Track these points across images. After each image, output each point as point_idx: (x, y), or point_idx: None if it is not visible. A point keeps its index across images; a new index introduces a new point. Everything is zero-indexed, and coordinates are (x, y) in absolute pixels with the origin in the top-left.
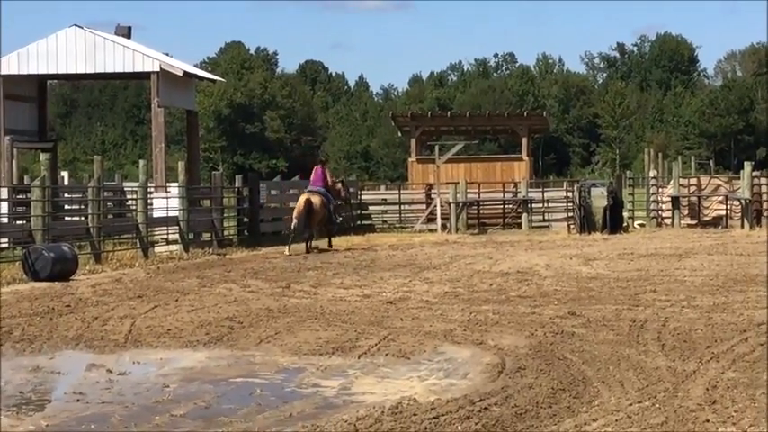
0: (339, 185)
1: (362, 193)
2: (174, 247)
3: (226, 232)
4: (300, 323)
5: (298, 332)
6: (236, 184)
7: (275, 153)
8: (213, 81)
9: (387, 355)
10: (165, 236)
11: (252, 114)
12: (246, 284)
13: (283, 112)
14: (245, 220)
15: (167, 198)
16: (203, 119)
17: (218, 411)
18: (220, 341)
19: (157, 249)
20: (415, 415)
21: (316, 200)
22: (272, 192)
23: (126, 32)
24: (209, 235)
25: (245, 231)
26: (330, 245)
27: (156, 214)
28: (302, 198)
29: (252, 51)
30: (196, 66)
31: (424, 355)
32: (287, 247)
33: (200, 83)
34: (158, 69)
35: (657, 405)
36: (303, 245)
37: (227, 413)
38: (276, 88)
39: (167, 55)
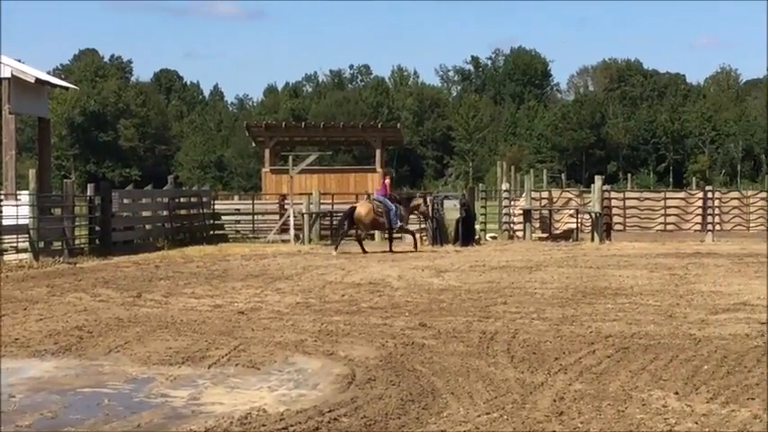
0: (419, 201)
1: (216, 203)
2: (23, 256)
3: (77, 241)
4: (151, 333)
5: (148, 342)
6: (89, 193)
7: (128, 162)
8: (66, 88)
9: (237, 365)
10: (15, 244)
11: (105, 122)
12: (97, 294)
13: (137, 120)
14: (97, 228)
15: (17, 206)
16: (56, 126)
17: (65, 422)
18: (69, 351)
19: (6, 258)
20: (264, 426)
21: (362, 209)
22: (125, 200)
23: None
24: (59, 243)
25: (97, 240)
26: (390, 248)
27: (5, 222)
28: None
29: (106, 59)
30: (49, 73)
31: (275, 366)
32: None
33: (52, 90)
34: (9, 75)
35: (505, 416)
36: (358, 245)
37: (73, 423)
38: (130, 96)
39: (19, 61)
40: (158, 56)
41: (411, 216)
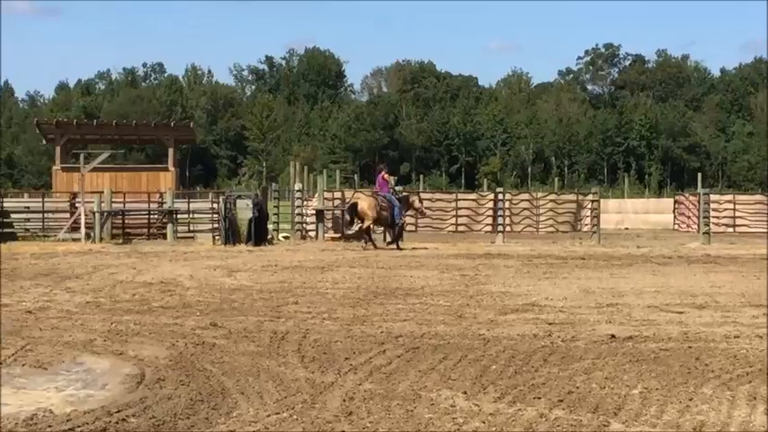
0: (415, 197)
1: (4, 200)
2: None
3: None
4: None
5: None
6: None
7: None
8: None
9: (24, 365)
10: None
11: None
12: None
13: None
14: None
15: None
16: None
17: None
18: None
19: None
20: (50, 427)
21: (363, 203)
22: None
23: None
24: None
25: None
26: (397, 246)
27: None
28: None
29: None
30: None
31: (63, 366)
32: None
33: None
34: None
35: (295, 416)
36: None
37: None
38: None
39: None
40: None
41: (201, 216)
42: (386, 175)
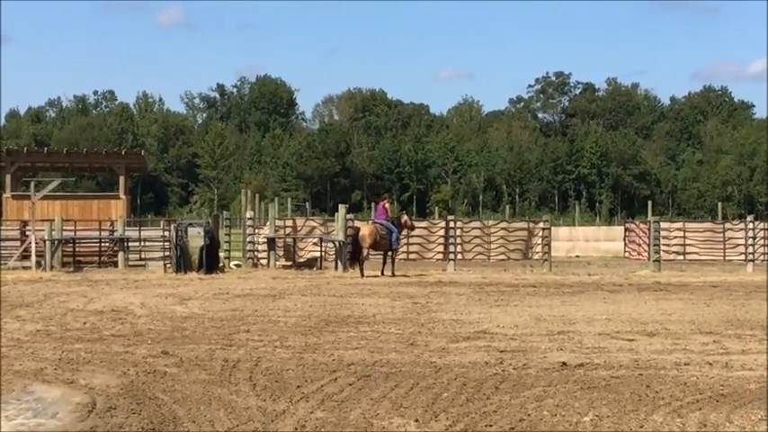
0: (405, 217)
1: None
2: None
3: None
4: None
5: None
6: None
7: None
8: None
9: None
10: None
11: None
12: None
13: None
14: None
15: None
16: None
17: None
18: None
19: None
20: None
21: (364, 230)
22: None
23: None
24: None
25: None
26: (393, 273)
27: None
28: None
29: None
30: None
31: (13, 395)
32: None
33: None
34: None
35: None
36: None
37: None
38: None
39: None
40: None
41: (153, 244)
42: (386, 204)
